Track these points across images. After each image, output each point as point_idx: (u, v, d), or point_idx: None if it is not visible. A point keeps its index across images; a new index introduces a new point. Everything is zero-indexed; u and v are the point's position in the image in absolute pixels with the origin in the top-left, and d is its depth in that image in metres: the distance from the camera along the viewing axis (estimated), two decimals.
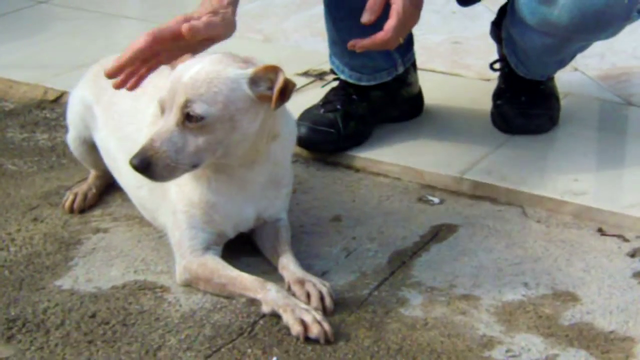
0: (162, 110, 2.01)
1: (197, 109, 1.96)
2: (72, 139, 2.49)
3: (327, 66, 2.85)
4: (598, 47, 2.90)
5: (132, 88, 2.11)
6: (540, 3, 2.37)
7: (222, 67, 2.00)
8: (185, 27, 2.05)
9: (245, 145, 2.05)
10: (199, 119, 1.96)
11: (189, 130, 1.97)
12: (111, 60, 2.27)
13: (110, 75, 2.10)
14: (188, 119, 1.97)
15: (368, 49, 2.33)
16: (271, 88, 1.99)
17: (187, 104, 1.96)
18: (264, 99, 2.00)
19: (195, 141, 1.98)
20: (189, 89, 1.97)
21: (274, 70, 1.99)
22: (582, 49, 2.64)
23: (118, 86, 2.11)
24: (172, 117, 1.98)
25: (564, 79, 2.94)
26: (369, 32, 2.32)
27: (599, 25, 2.38)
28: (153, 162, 1.96)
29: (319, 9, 2.64)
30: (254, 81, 1.99)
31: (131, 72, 2.09)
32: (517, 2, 2.46)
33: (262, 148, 2.09)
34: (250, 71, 1.99)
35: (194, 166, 2.01)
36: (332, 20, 2.66)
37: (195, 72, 1.98)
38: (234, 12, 2.20)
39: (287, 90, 1.98)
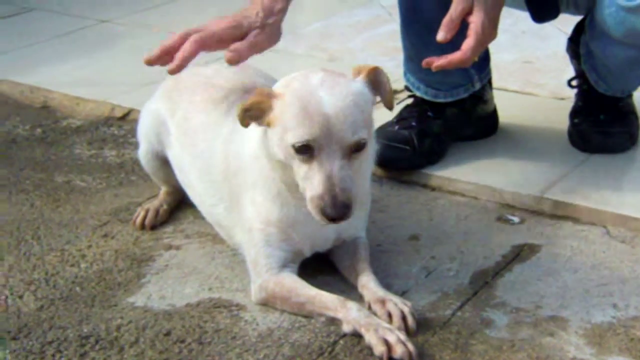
0: (316, 151, 1.90)
1: (363, 134, 1.91)
2: (143, 153, 2.48)
3: (397, 84, 2.80)
4: None
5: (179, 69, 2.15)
6: (629, 12, 2.33)
7: (350, 87, 1.96)
8: (228, 56, 2.12)
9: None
10: (364, 144, 1.93)
11: (353, 159, 1.93)
12: (186, 74, 2.30)
13: (152, 62, 2.19)
14: (357, 149, 1.92)
15: (444, 68, 2.32)
16: (378, 87, 2.01)
17: (354, 134, 1.90)
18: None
19: (358, 164, 1.96)
20: (349, 122, 1.90)
21: (375, 70, 2.00)
22: None
23: (172, 71, 2.15)
24: (338, 152, 1.90)
25: None
26: (446, 48, 2.33)
27: None
28: (351, 205, 1.90)
29: (386, 29, 2.66)
30: (368, 86, 2.00)
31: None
32: (601, 14, 2.41)
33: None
34: (361, 77, 1.99)
35: None
36: (407, 36, 2.64)
37: (335, 105, 1.90)
38: (282, 20, 2.24)
39: (391, 90, 2.05)
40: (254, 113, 1.95)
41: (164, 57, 2.18)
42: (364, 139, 1.92)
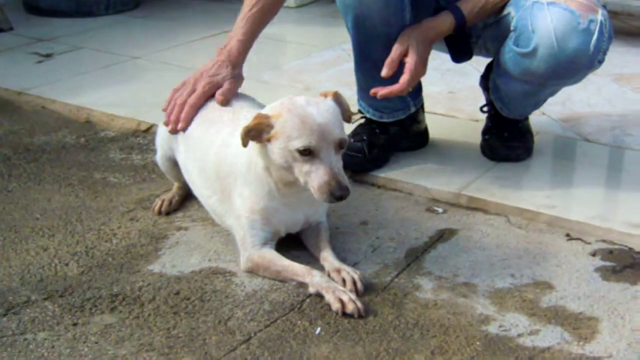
0: (315, 152, 1.92)
1: (344, 135, 1.97)
2: (159, 158, 2.46)
3: (352, 108, 2.80)
4: (560, 98, 2.86)
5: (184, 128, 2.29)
6: (522, 56, 2.34)
7: (327, 103, 2.00)
8: (219, 100, 2.27)
9: None
10: (346, 140, 1.97)
11: (339, 154, 1.97)
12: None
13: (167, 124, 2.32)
14: (341, 146, 1.95)
15: (387, 96, 2.36)
16: (344, 109, 2.06)
17: (340, 135, 1.95)
18: None
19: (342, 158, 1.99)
20: (334, 127, 1.95)
21: (336, 94, 2.05)
22: (552, 93, 2.59)
23: (181, 129, 2.30)
24: (332, 151, 1.94)
25: (536, 120, 2.89)
26: (388, 81, 2.37)
27: (569, 72, 2.33)
28: (348, 187, 1.94)
29: (345, 66, 2.66)
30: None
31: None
32: (503, 57, 2.43)
33: None
34: (331, 98, 2.03)
35: None
36: (359, 72, 2.62)
37: (323, 116, 1.94)
38: (243, 63, 2.38)
39: (349, 112, 2.12)
40: (254, 133, 1.96)
41: (169, 117, 2.32)
42: (345, 138, 1.96)
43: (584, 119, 3.09)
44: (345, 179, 1.94)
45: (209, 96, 2.29)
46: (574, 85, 2.52)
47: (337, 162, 1.96)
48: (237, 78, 2.34)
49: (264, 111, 2.02)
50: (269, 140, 1.96)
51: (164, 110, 2.34)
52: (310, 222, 2.18)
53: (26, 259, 2.18)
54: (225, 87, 2.28)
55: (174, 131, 2.29)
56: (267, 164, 2.02)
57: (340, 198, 1.93)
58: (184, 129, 2.27)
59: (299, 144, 1.91)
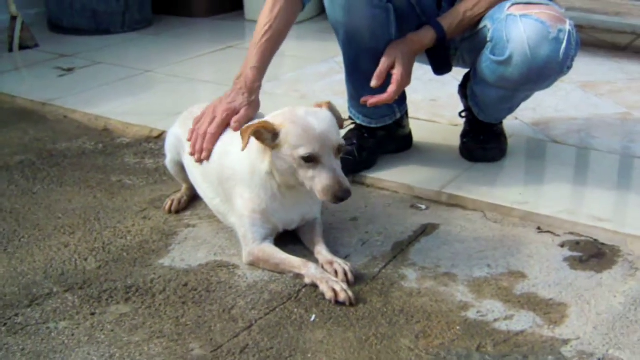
0: (318, 158, 1.91)
1: (342, 140, 1.97)
2: (169, 162, 2.44)
3: (346, 114, 2.78)
4: (531, 104, 2.85)
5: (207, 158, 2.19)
6: (498, 64, 2.32)
7: (324, 113, 1.99)
8: (234, 127, 2.18)
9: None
10: (344, 145, 1.97)
11: (338, 159, 1.96)
12: (196, 108, 2.30)
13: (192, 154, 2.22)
14: (340, 150, 1.95)
15: (375, 104, 2.34)
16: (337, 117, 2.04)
17: (338, 141, 1.94)
18: None
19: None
20: (332, 134, 1.95)
21: (329, 105, 2.04)
22: (525, 98, 2.57)
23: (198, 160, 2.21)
24: (332, 156, 1.93)
25: (509, 124, 2.88)
26: (376, 91, 2.35)
27: (541, 77, 2.31)
28: (350, 189, 1.93)
29: (338, 77, 2.64)
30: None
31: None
32: (480, 66, 2.41)
33: None
34: (325, 107, 2.02)
35: None
36: (350, 83, 2.60)
37: (322, 124, 1.94)
38: (259, 92, 2.29)
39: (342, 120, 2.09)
40: (256, 135, 1.95)
41: (194, 148, 2.22)
42: (343, 142, 1.95)
43: (552, 123, 3.08)
44: (346, 181, 1.93)
45: (227, 123, 2.21)
46: (544, 92, 2.50)
47: (338, 165, 1.95)
48: (253, 104, 2.27)
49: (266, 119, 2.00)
50: (274, 148, 1.95)
51: (189, 140, 2.25)
52: (306, 219, 2.16)
53: (49, 254, 2.15)
54: (241, 114, 2.21)
55: (200, 161, 2.20)
56: (271, 169, 2.00)
57: (342, 199, 1.92)
58: (207, 158, 2.19)
59: (303, 151, 1.90)
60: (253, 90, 2.28)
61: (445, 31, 2.37)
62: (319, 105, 2.03)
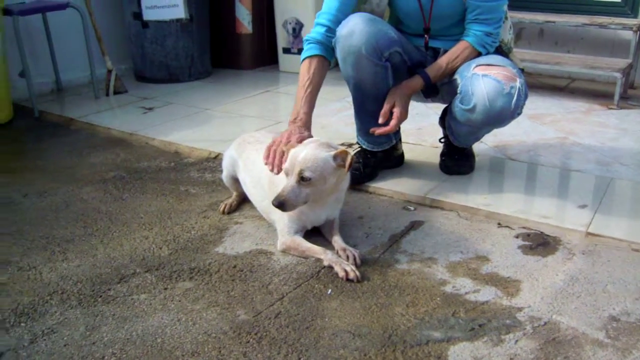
0: (287, 174, 1.91)
1: (307, 174, 1.89)
2: (224, 176, 2.43)
3: (354, 140, 2.78)
4: (493, 132, 2.77)
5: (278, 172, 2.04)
6: (465, 111, 2.32)
7: (318, 152, 1.92)
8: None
9: (329, 190, 1.99)
10: (308, 180, 1.89)
11: (302, 185, 1.90)
12: (246, 136, 2.27)
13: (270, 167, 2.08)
14: (302, 180, 1.89)
15: (380, 134, 2.33)
16: (344, 161, 1.93)
17: (301, 172, 1.88)
18: (340, 167, 1.94)
19: (305, 191, 1.91)
20: (302, 164, 1.89)
21: (345, 153, 1.94)
22: (487, 132, 2.55)
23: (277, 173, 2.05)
24: (293, 179, 1.90)
25: (477, 147, 2.86)
26: (380, 125, 2.32)
27: (497, 121, 2.30)
28: (285, 203, 1.89)
29: (348, 112, 2.61)
30: (335, 158, 1.93)
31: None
32: (453, 109, 2.41)
33: (336, 189, 2.02)
34: (332, 153, 1.93)
35: (304, 203, 1.94)
36: (358, 118, 2.59)
37: (304, 154, 1.91)
38: (311, 126, 2.17)
39: (351, 162, 1.93)
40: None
41: (273, 164, 2.09)
42: (308, 177, 1.90)
43: (509, 145, 3.04)
44: (282, 198, 1.89)
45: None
46: None
47: (294, 189, 1.90)
48: (308, 134, 2.19)
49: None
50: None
51: (264, 158, 2.13)
52: (328, 219, 2.15)
53: (133, 244, 2.16)
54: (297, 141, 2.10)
55: (276, 172, 2.09)
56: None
57: (275, 206, 1.89)
58: (279, 172, 2.09)
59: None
60: (309, 127, 2.21)
61: (431, 79, 2.38)
62: (342, 150, 1.96)
